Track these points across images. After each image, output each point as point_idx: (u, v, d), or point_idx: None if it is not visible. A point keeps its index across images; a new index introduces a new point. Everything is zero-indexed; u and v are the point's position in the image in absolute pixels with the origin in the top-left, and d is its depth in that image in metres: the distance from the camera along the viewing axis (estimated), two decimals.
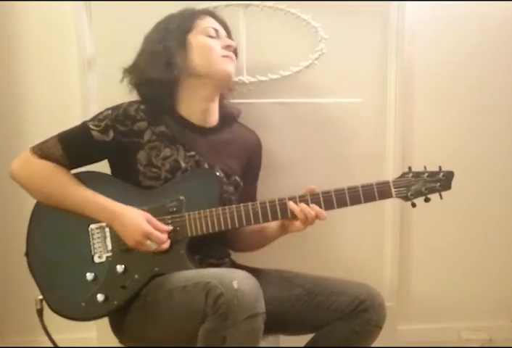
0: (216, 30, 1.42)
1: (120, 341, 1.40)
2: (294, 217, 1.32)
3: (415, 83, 1.80)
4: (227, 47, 1.42)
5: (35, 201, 1.39)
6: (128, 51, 1.60)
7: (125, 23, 1.65)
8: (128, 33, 1.63)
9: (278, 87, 1.68)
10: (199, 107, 1.42)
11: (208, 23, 1.43)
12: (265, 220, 1.33)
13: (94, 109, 1.63)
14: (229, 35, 1.48)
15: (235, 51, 1.47)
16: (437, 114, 1.83)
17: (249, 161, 1.53)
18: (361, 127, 1.77)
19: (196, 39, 1.40)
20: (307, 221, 1.31)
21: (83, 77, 1.68)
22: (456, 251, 1.91)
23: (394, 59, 1.74)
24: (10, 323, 1.83)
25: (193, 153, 1.40)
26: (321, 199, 1.32)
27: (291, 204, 1.31)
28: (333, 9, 1.69)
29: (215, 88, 1.43)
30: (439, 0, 1.75)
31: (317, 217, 1.31)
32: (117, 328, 1.38)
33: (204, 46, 1.39)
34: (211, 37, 1.41)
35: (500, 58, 1.82)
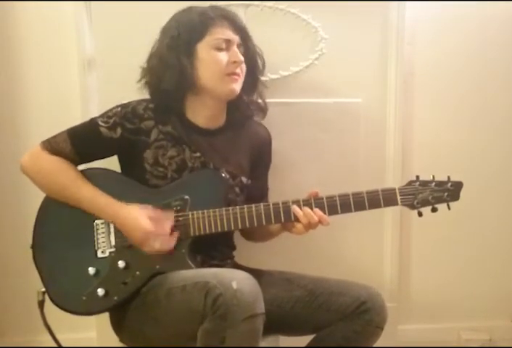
0: (228, 41, 1.36)
1: (120, 340, 1.40)
2: (297, 220, 1.32)
3: (415, 83, 1.79)
4: (234, 63, 1.37)
5: (36, 198, 1.39)
6: (128, 51, 1.61)
7: (125, 23, 1.65)
8: (128, 33, 1.64)
9: (278, 87, 1.68)
10: (203, 113, 1.42)
11: (220, 33, 1.36)
12: (268, 222, 1.33)
13: (94, 109, 1.64)
14: (245, 41, 1.41)
15: (253, 58, 1.43)
16: (437, 114, 1.83)
17: (259, 155, 1.52)
18: (361, 127, 1.77)
19: (204, 51, 1.36)
20: (310, 226, 1.31)
21: (83, 77, 1.68)
22: (456, 251, 1.90)
23: (394, 58, 1.73)
24: (10, 323, 1.83)
25: (198, 154, 1.40)
26: (325, 203, 1.31)
27: (294, 208, 1.31)
28: (333, 9, 1.69)
29: (220, 100, 1.41)
30: (439, 0, 1.75)
31: (320, 222, 1.30)
32: (117, 326, 1.38)
33: (210, 61, 1.35)
34: (221, 49, 1.36)
35: (500, 58, 1.82)
